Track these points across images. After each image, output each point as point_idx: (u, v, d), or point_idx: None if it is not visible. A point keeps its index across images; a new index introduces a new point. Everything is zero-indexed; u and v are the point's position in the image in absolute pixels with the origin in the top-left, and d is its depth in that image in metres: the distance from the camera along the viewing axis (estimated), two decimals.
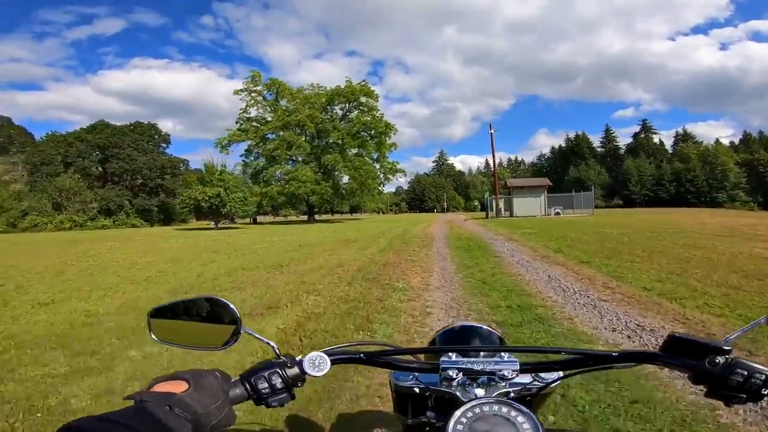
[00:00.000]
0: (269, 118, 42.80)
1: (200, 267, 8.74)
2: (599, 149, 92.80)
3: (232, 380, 0.61)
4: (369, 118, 42.05)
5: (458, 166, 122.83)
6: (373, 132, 42.91)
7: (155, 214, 54.89)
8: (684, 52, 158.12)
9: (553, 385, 0.71)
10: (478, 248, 10.51)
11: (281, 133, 40.41)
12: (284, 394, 0.63)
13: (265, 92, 43.58)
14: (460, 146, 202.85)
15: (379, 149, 43.21)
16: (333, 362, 0.67)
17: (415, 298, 5.22)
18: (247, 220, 45.68)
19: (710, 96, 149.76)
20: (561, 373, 0.71)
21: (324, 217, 67.79)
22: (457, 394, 0.65)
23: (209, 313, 0.70)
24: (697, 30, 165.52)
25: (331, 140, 41.47)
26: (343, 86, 42.93)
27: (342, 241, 13.26)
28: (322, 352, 0.67)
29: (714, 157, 74.09)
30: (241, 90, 42.77)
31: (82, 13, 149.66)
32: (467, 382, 0.66)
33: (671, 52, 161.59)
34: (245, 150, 43.56)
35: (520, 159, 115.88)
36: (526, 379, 0.70)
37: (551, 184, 28.73)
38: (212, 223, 30.87)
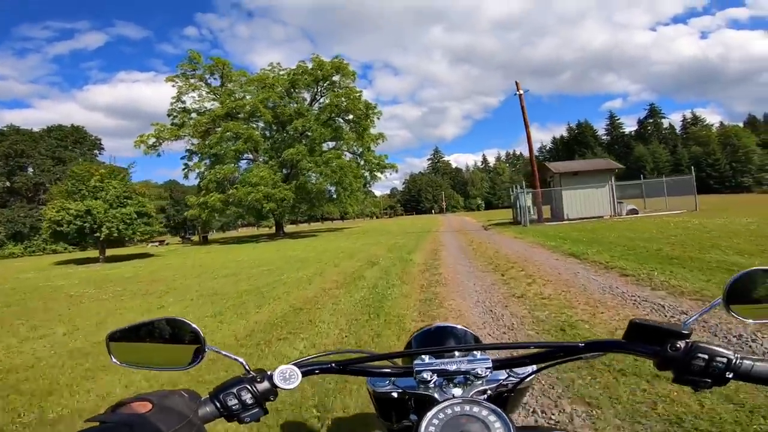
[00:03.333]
0: (214, 108, 32.43)
1: None
2: (604, 137, 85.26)
3: (202, 399, 0.60)
4: (343, 100, 31.66)
5: (453, 165, 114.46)
6: (351, 117, 32.73)
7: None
8: (665, 42, 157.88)
9: (528, 379, 0.72)
10: None
11: (227, 124, 30.06)
12: (256, 409, 0.61)
13: (207, 76, 33.28)
14: (453, 145, 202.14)
15: (361, 140, 32.96)
16: (304, 374, 0.65)
17: None
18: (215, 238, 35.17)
19: (695, 84, 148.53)
20: (534, 367, 0.71)
21: (313, 226, 56.38)
22: (435, 395, 0.64)
23: (171, 333, 0.68)
24: (677, 19, 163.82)
25: (295, 132, 31.14)
26: (309, 64, 32.63)
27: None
28: (293, 364, 0.65)
29: (736, 139, 66.91)
30: (176, 76, 32.19)
31: (62, 29, 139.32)
32: (444, 383, 0.65)
33: (653, 43, 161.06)
34: (186, 150, 33.12)
35: (518, 153, 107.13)
36: (501, 375, 0.71)
37: (621, 166, 18.97)
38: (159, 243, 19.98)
